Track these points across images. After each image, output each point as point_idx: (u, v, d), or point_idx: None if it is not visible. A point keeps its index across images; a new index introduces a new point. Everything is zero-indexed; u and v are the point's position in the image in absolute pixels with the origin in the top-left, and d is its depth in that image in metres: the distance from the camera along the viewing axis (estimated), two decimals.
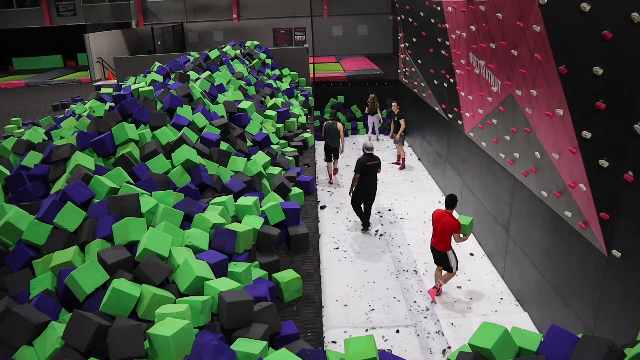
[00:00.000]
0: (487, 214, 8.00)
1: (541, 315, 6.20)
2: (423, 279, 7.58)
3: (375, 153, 8.21)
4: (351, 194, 8.79)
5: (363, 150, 8.61)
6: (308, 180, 7.26)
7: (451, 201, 6.64)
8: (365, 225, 9.07)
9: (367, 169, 8.55)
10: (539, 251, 6.16)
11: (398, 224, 9.46)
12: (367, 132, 15.70)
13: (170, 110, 7.06)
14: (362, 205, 8.99)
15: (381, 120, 15.34)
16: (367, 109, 14.63)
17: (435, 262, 7.06)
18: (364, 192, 8.73)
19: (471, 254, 8.18)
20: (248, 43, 14.38)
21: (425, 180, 11.69)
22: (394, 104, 12.52)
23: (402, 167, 12.58)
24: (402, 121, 12.11)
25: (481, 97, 7.86)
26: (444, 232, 6.57)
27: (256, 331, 3.64)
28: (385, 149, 14.32)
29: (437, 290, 6.97)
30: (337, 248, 8.47)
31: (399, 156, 12.85)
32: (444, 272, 6.97)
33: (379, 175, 9.00)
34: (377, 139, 15.12)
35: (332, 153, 11.39)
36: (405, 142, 12.76)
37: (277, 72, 13.56)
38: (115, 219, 4.50)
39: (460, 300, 7.00)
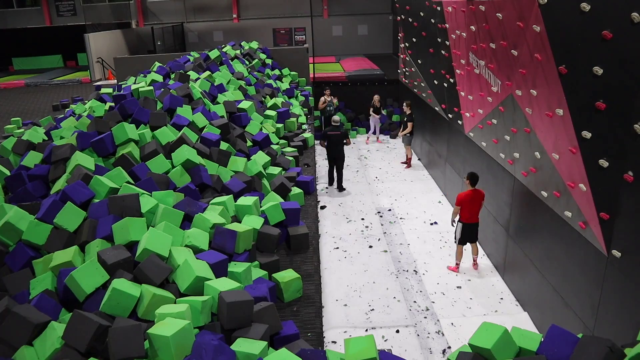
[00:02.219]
0: (487, 214, 7.99)
1: (541, 315, 6.20)
2: (423, 279, 7.58)
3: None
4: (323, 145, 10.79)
5: (331, 122, 10.90)
6: (308, 180, 7.26)
7: (477, 179, 7.39)
8: (329, 182, 11.21)
9: (330, 137, 10.56)
10: (539, 251, 6.16)
11: (398, 224, 9.46)
12: (367, 132, 15.69)
13: (170, 110, 7.06)
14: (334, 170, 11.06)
15: (380, 119, 15.37)
16: (371, 109, 14.61)
17: (467, 241, 7.56)
18: (330, 157, 10.87)
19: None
20: (247, 45, 14.35)
21: (426, 180, 11.68)
22: (405, 105, 12.44)
23: (408, 166, 12.75)
24: (409, 124, 12.17)
25: (481, 97, 7.86)
26: (481, 204, 7.42)
27: (256, 331, 3.64)
28: (386, 149, 14.31)
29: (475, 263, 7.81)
30: (337, 248, 8.47)
31: (408, 157, 12.89)
32: (461, 247, 7.66)
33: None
34: (378, 140, 15.05)
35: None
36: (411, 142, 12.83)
37: (277, 72, 13.56)
38: (115, 219, 4.50)
39: (460, 300, 7.00)
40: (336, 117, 10.89)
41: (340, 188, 10.99)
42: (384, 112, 15.58)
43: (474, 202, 7.34)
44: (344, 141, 10.64)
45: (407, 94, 14.24)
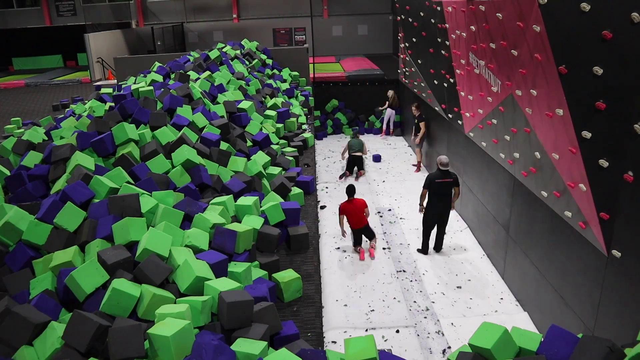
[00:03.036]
0: (487, 214, 7.99)
1: (541, 315, 6.20)
2: (423, 279, 7.58)
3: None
4: (421, 212, 8.07)
5: (437, 165, 7.80)
6: (308, 180, 7.26)
7: (353, 190, 8.10)
8: (424, 250, 8.25)
9: (437, 186, 7.71)
10: (539, 251, 6.16)
11: (398, 224, 9.46)
12: (381, 125, 15.73)
13: (170, 110, 7.06)
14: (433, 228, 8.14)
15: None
16: (387, 103, 15.02)
17: (357, 243, 8.23)
18: (432, 213, 7.88)
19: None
20: (248, 44, 14.35)
21: None
22: (413, 107, 12.04)
23: (418, 170, 12.40)
24: (422, 124, 11.73)
25: (481, 97, 7.86)
26: (361, 212, 7.96)
27: (256, 331, 3.64)
28: (386, 148, 14.30)
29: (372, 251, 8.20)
30: (338, 248, 8.47)
31: (419, 160, 12.53)
32: (365, 245, 8.32)
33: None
34: (391, 134, 15.48)
35: (355, 164, 12.16)
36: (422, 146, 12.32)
37: (276, 71, 13.56)
38: (115, 219, 4.50)
39: (460, 300, 7.00)
40: (444, 158, 7.72)
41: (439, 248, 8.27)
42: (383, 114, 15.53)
43: (354, 211, 7.94)
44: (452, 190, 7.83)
45: (408, 94, 14.24)
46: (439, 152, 11.10)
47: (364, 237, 8.31)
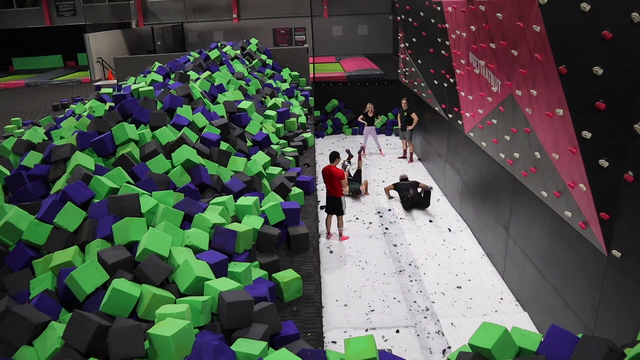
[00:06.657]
0: (487, 214, 8.00)
1: (541, 315, 6.20)
2: (423, 278, 7.58)
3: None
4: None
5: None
6: (308, 180, 7.26)
7: (334, 156, 8.32)
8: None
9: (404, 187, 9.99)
10: (539, 251, 6.16)
11: (398, 224, 9.46)
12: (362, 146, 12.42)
13: (170, 110, 7.06)
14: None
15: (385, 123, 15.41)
16: (361, 117, 13.32)
17: (329, 211, 8.54)
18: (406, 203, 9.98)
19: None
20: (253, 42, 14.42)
21: (425, 181, 11.67)
22: (403, 101, 12.94)
23: (411, 160, 13.04)
24: (413, 115, 12.56)
25: (481, 97, 7.86)
26: (337, 181, 8.13)
27: (256, 331, 3.64)
28: (386, 148, 14.29)
29: (340, 235, 8.73)
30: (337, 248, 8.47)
31: (405, 150, 13.31)
32: (333, 219, 8.72)
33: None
34: (381, 153, 13.66)
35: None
36: (413, 138, 13.09)
37: (275, 72, 13.58)
38: (115, 219, 4.50)
39: (460, 300, 7.00)
40: (403, 175, 10.49)
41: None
42: (377, 123, 13.73)
43: (330, 177, 8.17)
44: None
45: (407, 94, 14.23)
46: (439, 151, 11.11)
47: (333, 221, 8.74)
